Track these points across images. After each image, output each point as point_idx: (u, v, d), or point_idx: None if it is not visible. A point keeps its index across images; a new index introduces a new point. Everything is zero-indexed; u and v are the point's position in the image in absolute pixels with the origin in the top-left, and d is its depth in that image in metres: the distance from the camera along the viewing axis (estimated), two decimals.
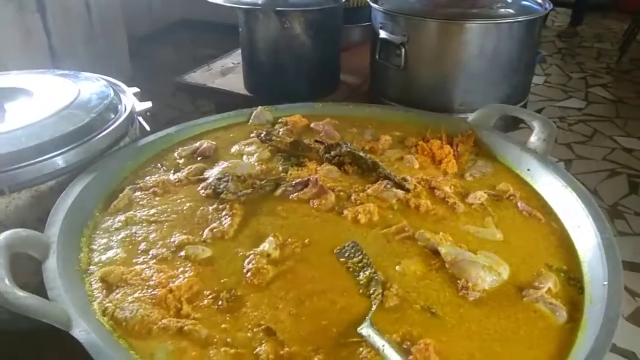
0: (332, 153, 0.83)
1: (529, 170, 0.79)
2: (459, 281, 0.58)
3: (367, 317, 0.54)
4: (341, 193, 0.75)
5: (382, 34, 1.11)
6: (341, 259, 0.63)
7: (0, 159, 0.72)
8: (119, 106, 0.92)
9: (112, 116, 0.88)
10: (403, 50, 1.08)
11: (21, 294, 0.51)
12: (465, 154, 0.84)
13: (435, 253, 0.63)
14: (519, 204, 0.73)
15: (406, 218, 0.70)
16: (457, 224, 0.69)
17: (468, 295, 0.57)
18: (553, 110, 2.61)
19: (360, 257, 0.63)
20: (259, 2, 1.20)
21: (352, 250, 0.64)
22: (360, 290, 0.58)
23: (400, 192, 0.74)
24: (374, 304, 0.56)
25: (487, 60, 1.05)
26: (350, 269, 0.61)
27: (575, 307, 0.56)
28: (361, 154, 0.82)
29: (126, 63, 2.70)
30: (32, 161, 0.74)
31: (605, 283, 0.56)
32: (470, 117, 0.92)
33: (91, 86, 0.94)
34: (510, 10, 1.07)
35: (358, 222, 0.69)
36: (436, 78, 1.09)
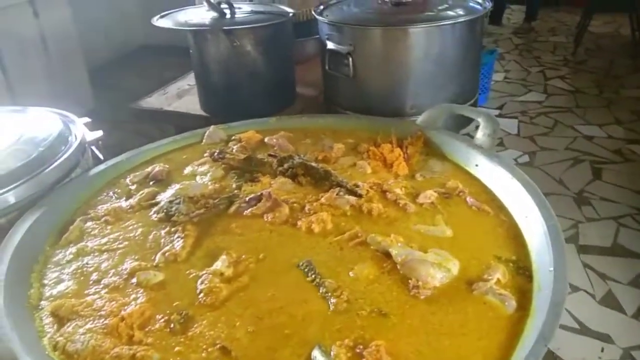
0: (285, 165, 0.83)
1: (477, 165, 0.80)
2: (410, 281, 0.59)
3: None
4: (295, 204, 0.75)
5: (330, 44, 1.13)
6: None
7: None
8: (69, 137, 0.91)
9: (62, 148, 0.87)
10: (350, 59, 1.09)
11: None
12: (415, 155, 0.85)
13: (388, 255, 0.63)
14: (468, 200, 0.74)
15: (359, 223, 0.70)
16: (408, 225, 0.70)
17: (419, 294, 0.57)
18: (514, 105, 2.67)
19: (312, 276, 0.63)
20: (207, 22, 1.20)
21: (306, 270, 0.64)
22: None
23: (352, 199, 0.75)
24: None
25: (433, 63, 1.07)
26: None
27: (524, 296, 0.57)
28: (313, 164, 0.82)
29: (87, 94, 2.68)
30: None
31: (552, 269, 0.57)
32: (419, 118, 0.93)
33: (39, 119, 0.93)
34: (452, 13, 1.09)
35: (312, 232, 0.70)
36: (385, 84, 1.11)
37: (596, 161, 2.15)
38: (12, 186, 0.76)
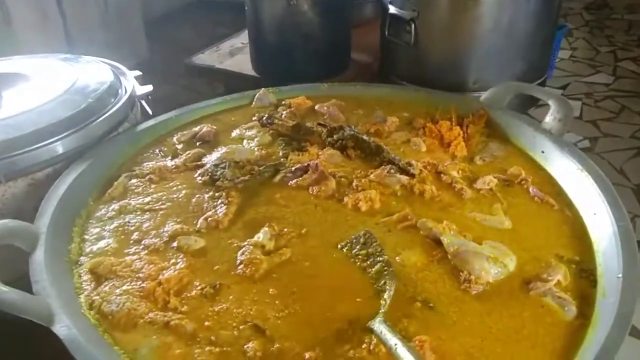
0: (335, 137, 0.79)
1: (543, 152, 0.74)
2: (461, 273, 0.55)
3: (380, 312, 0.51)
4: (342, 179, 0.72)
5: (392, 9, 1.06)
6: (352, 251, 0.60)
7: None
8: (119, 90, 0.89)
9: (112, 100, 0.86)
10: (413, 25, 1.02)
11: (2, 288, 0.49)
12: (475, 135, 0.79)
13: (438, 243, 0.59)
14: (530, 190, 0.68)
15: (409, 205, 0.66)
16: (463, 211, 0.65)
17: (470, 289, 0.53)
18: (579, 86, 2.50)
19: (372, 249, 0.59)
20: None
21: (365, 241, 0.61)
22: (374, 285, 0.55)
23: (404, 178, 0.70)
24: (387, 299, 0.53)
25: (503, 35, 0.99)
26: (359, 262, 0.58)
27: (586, 302, 0.52)
28: (365, 137, 0.78)
29: (142, 45, 2.68)
30: (28, 148, 0.72)
31: (620, 276, 0.52)
32: (483, 95, 0.87)
33: (91, 70, 0.92)
34: None
35: (359, 209, 0.66)
36: (448, 55, 1.04)
37: None
38: (60, 136, 0.75)
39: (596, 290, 0.53)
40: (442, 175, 0.71)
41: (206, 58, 1.39)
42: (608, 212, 0.60)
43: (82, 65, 0.94)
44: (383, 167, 0.73)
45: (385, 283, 0.54)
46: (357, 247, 0.60)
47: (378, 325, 0.49)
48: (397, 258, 0.58)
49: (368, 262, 0.58)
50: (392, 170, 0.72)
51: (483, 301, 0.52)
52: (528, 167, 0.73)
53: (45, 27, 2.19)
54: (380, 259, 0.57)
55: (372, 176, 0.71)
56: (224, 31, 1.84)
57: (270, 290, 0.55)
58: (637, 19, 3.37)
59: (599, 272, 0.56)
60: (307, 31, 1.20)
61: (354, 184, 0.71)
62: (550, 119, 0.77)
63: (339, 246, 0.60)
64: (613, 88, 2.50)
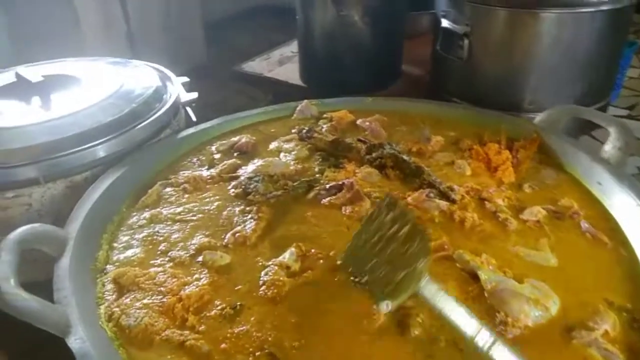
0: (374, 154, 0.76)
1: (599, 184, 0.68)
2: (497, 314, 0.50)
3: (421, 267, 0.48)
4: (378, 200, 0.69)
5: (444, 22, 1.02)
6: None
7: (37, 148, 0.72)
8: (164, 96, 0.90)
9: (156, 106, 0.86)
10: (466, 41, 0.98)
11: (23, 295, 0.49)
12: (526, 161, 0.74)
13: (475, 278, 0.55)
14: (582, 224, 0.63)
15: (448, 234, 0.62)
16: (505, 244, 0.60)
17: (506, 332, 0.49)
18: None
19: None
20: None
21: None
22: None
23: (444, 203, 0.66)
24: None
25: (562, 54, 0.93)
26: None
27: (636, 357, 0.46)
28: (405, 157, 0.74)
29: (201, 49, 2.74)
30: (69, 151, 0.73)
31: None
32: (537, 118, 0.81)
33: (138, 75, 0.93)
34: None
35: None
36: (502, 73, 0.98)
37: None
38: (101, 140, 0.76)
39: None
40: (485, 202, 0.66)
41: (255, 66, 1.40)
42: None
43: (130, 69, 0.95)
44: (422, 190, 0.69)
45: (418, 243, 0.50)
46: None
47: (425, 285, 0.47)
48: None
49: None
50: (432, 194, 0.68)
51: (519, 347, 0.47)
52: (582, 199, 0.67)
53: (109, 30, 2.27)
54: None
55: (409, 199, 0.68)
56: (279, 37, 1.85)
57: (292, 318, 0.52)
58: None
59: None
60: (357, 42, 1.18)
61: None
62: (609, 147, 0.71)
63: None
64: None
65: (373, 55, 1.21)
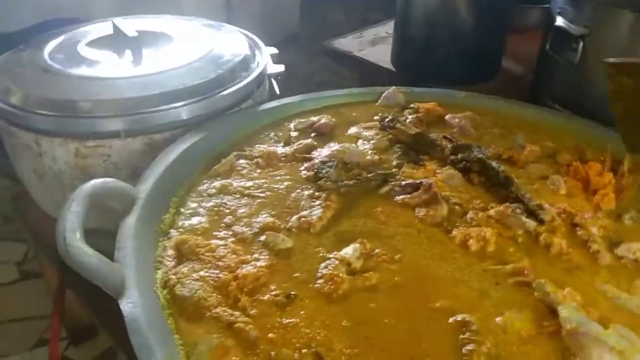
0: (460, 156, 0.71)
1: None
2: (573, 359, 0.45)
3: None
4: (457, 207, 0.64)
5: (559, 20, 0.92)
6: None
7: (122, 102, 0.73)
8: (251, 65, 0.89)
9: (242, 74, 0.85)
10: (581, 43, 0.88)
11: (85, 250, 0.49)
12: (631, 188, 0.66)
13: (553, 313, 0.49)
14: None
15: (529, 257, 0.56)
16: (593, 280, 0.54)
17: None
18: None
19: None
20: None
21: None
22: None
23: (530, 222, 0.60)
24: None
25: None
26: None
27: None
28: (494, 164, 0.68)
29: (295, 21, 2.73)
30: (151, 109, 0.74)
31: None
32: None
33: (228, 40, 0.92)
34: None
35: (467, 248, 0.58)
36: None
37: None
38: (184, 102, 0.76)
39: None
40: (577, 228, 0.60)
41: (346, 43, 1.35)
42: None
43: (222, 34, 0.95)
44: (508, 204, 0.63)
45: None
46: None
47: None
48: (497, 319, 0.49)
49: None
50: (518, 210, 0.62)
51: None
52: None
53: None
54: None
55: (492, 211, 0.62)
56: (376, 16, 1.79)
57: (344, 321, 0.49)
58: None
59: None
60: (458, 31, 1.11)
61: (468, 215, 0.62)
62: None
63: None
64: None
65: (473, 46, 1.13)
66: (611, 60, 0.66)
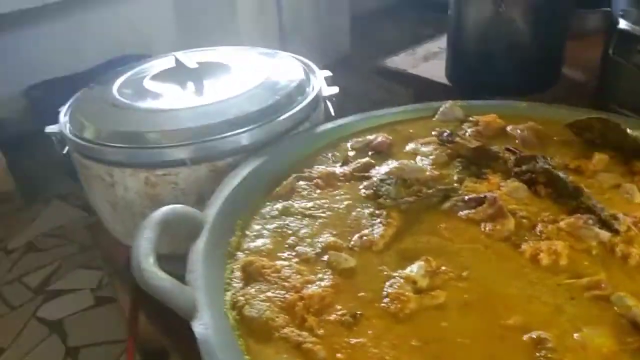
0: (524, 167, 0.69)
1: None
2: None
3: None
4: (524, 220, 0.62)
5: (623, 23, 0.89)
6: None
7: (187, 132, 0.76)
8: (307, 89, 0.91)
9: (298, 99, 0.87)
10: None
11: (159, 274, 0.51)
12: None
13: (636, 327, 0.46)
14: None
15: (606, 270, 0.54)
16: None
17: None
18: None
19: None
20: None
21: None
22: None
23: (604, 233, 0.57)
24: None
25: None
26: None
27: None
28: (561, 174, 0.66)
29: (345, 41, 2.77)
30: (215, 137, 0.77)
31: None
32: None
33: (283, 66, 0.95)
34: None
35: (538, 262, 0.56)
36: None
37: None
38: (245, 129, 0.78)
39: None
40: None
41: (399, 61, 1.36)
42: None
43: (276, 60, 0.97)
44: (579, 215, 0.60)
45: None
46: None
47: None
48: (575, 335, 0.47)
49: None
50: (590, 221, 0.59)
51: None
52: None
53: (263, 21, 2.39)
54: None
55: (562, 223, 0.60)
56: (426, 32, 1.79)
57: (413, 340, 0.48)
58: None
59: None
60: (514, 41, 1.09)
61: (537, 228, 0.60)
62: None
63: None
64: None
65: (530, 55, 1.11)
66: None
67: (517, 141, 0.77)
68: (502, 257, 0.57)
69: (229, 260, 0.60)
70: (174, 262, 0.57)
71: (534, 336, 0.47)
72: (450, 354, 0.47)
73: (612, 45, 0.94)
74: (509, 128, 0.80)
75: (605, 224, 0.59)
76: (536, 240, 0.58)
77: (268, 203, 0.70)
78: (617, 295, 0.49)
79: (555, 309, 0.50)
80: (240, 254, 0.62)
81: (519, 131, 0.78)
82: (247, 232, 0.65)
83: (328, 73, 0.97)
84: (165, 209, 0.59)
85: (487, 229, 0.61)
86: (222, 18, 2.05)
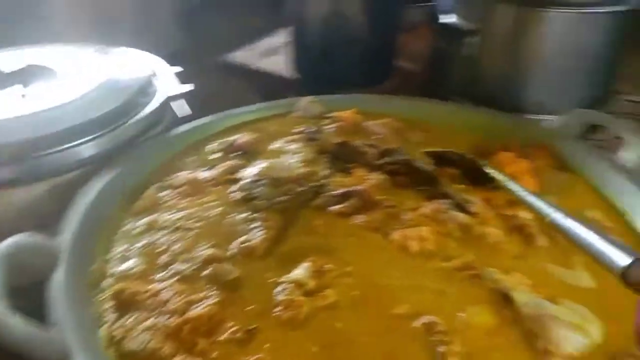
0: (386, 159, 0.72)
1: (623, 195, 0.65)
2: (537, 340, 0.47)
3: None
4: (391, 209, 0.64)
5: (448, 17, 0.98)
6: None
7: (15, 147, 0.65)
8: (155, 88, 0.84)
9: (146, 100, 0.80)
10: (472, 38, 0.94)
11: (14, 321, 0.43)
12: (546, 170, 0.71)
13: (508, 300, 0.51)
14: None
15: (472, 250, 0.58)
16: (535, 262, 0.57)
17: None
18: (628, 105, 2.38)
19: None
20: None
21: None
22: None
23: (462, 216, 0.62)
24: None
25: (572, 56, 0.91)
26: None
27: None
28: (419, 164, 0.70)
29: (171, 35, 2.63)
30: (50, 150, 0.67)
31: None
32: (552, 123, 0.79)
33: (125, 64, 0.86)
34: None
35: (408, 249, 0.58)
36: (508, 73, 0.95)
37: None
38: (86, 138, 0.69)
39: None
40: (509, 216, 0.63)
41: (242, 56, 1.33)
42: None
43: (115, 57, 0.88)
44: (437, 200, 0.65)
45: None
46: None
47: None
48: (460, 315, 0.50)
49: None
50: (448, 206, 0.64)
51: None
52: (607, 210, 0.65)
53: (74, 14, 2.14)
54: None
55: (425, 209, 0.63)
56: (260, 26, 1.78)
57: (313, 347, 0.47)
58: None
59: None
60: (351, 36, 1.14)
61: (403, 217, 0.63)
62: (627, 154, 0.69)
63: None
64: None
65: (367, 49, 1.16)
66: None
67: (378, 136, 0.80)
68: (378, 248, 0.59)
69: (96, 291, 0.53)
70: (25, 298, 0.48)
71: (424, 322, 0.49)
72: (351, 353, 0.47)
73: (441, 37, 1.03)
74: (368, 123, 0.83)
75: (461, 207, 0.64)
76: (403, 228, 0.60)
77: (130, 219, 0.64)
78: (488, 271, 0.54)
79: (437, 293, 0.53)
80: (107, 282, 0.54)
81: (377, 127, 0.81)
82: (111, 256, 0.58)
83: (179, 69, 0.91)
84: (10, 241, 0.50)
85: (359, 221, 0.62)
86: (29, 11, 1.79)
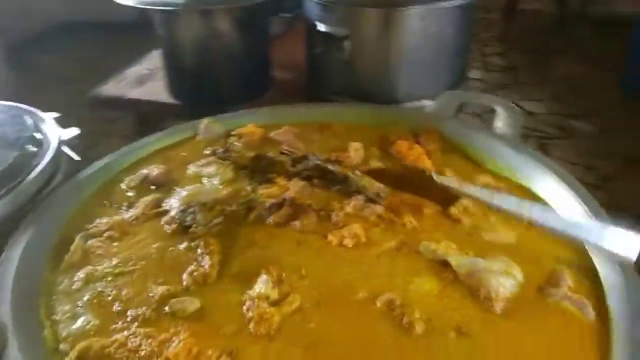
0: (299, 167, 0.76)
1: (502, 159, 0.77)
2: (480, 293, 0.55)
3: None
4: (321, 212, 0.69)
5: (321, 26, 1.05)
6: None
7: None
8: (42, 138, 0.79)
9: (37, 151, 0.76)
10: (345, 42, 1.02)
11: None
12: (436, 151, 0.81)
13: (444, 265, 0.59)
14: None
15: (400, 233, 0.65)
16: (455, 227, 0.66)
17: (494, 308, 0.54)
18: None
19: None
20: (180, 1, 1.08)
21: None
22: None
23: (378, 207, 0.68)
24: None
25: (428, 47, 1.03)
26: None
27: (598, 301, 0.55)
28: (329, 166, 0.75)
29: (5, 75, 2.39)
30: None
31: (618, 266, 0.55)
32: (431, 107, 0.89)
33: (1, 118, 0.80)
34: None
35: (345, 247, 0.63)
36: (381, 69, 1.05)
37: (541, 137, 2.23)
38: None
39: (603, 287, 0.56)
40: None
41: (112, 88, 1.28)
42: (580, 209, 0.64)
43: None
44: (355, 197, 0.70)
45: None
46: None
47: None
48: (410, 286, 0.57)
49: None
50: (363, 200, 0.69)
51: (511, 317, 0.53)
52: (494, 174, 0.76)
53: None
54: None
55: (348, 209, 0.68)
56: (102, 55, 1.70)
57: (295, 352, 0.50)
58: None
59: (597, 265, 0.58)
60: (228, 53, 1.16)
61: (334, 218, 0.67)
62: (501, 124, 0.81)
63: None
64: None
65: (245, 64, 1.19)
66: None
67: (284, 144, 0.84)
68: (320, 249, 0.63)
69: (57, 357, 0.50)
70: None
71: (384, 300, 0.55)
72: (332, 346, 0.51)
73: (313, 45, 1.10)
74: (272, 134, 0.86)
75: (372, 200, 0.70)
76: (337, 229, 0.65)
77: (63, 277, 0.60)
78: (423, 244, 0.61)
79: (385, 275, 0.59)
80: (64, 346, 0.52)
81: (281, 136, 0.85)
82: (57, 318, 0.55)
83: (55, 114, 0.87)
84: None
85: (296, 227, 0.66)
86: None
